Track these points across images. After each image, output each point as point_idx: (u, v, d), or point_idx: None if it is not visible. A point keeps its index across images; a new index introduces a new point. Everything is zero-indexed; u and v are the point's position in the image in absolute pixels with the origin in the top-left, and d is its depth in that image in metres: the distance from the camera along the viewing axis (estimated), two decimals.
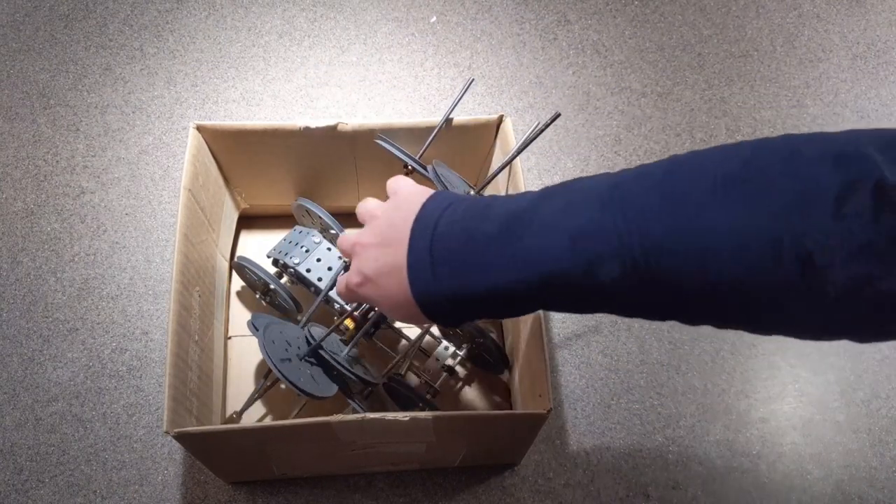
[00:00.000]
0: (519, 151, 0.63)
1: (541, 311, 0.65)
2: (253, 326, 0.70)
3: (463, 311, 0.42)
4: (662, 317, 0.37)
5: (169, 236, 0.87)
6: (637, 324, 0.84)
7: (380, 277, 0.44)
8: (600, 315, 0.85)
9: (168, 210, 0.89)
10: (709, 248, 0.32)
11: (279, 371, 0.61)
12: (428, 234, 0.42)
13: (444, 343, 0.77)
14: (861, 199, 0.29)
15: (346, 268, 0.74)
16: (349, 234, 0.50)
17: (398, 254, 0.42)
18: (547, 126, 0.57)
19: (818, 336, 0.34)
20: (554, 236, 0.37)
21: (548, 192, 0.40)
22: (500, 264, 0.39)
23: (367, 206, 0.49)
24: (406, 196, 0.46)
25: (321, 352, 0.66)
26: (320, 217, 0.79)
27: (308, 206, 0.80)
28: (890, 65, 1.08)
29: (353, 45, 1.06)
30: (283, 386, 0.76)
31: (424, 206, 0.43)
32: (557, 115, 0.56)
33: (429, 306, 0.42)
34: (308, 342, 0.68)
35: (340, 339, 0.72)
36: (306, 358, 0.66)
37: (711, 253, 0.32)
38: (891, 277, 0.29)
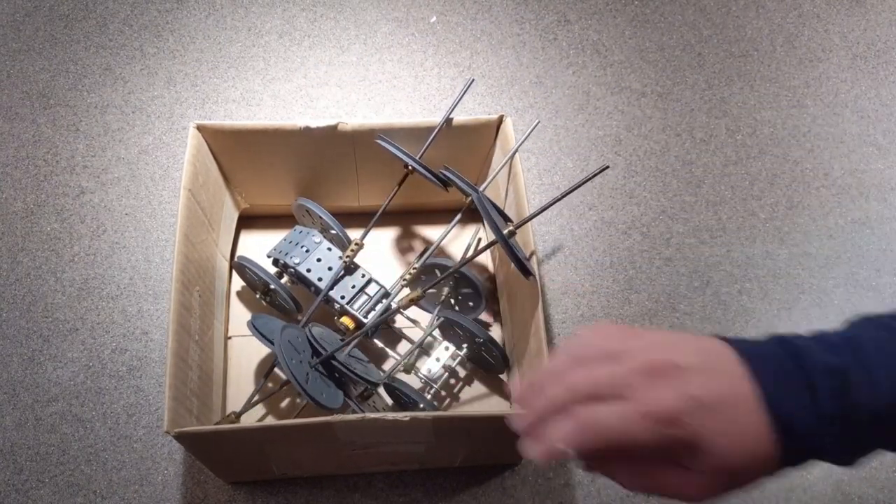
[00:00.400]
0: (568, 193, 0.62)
1: (540, 310, 0.65)
2: (259, 333, 0.69)
3: (856, 436, 0.35)
4: None
5: (169, 236, 0.87)
6: (637, 324, 0.84)
7: (721, 405, 0.35)
8: (599, 314, 0.85)
9: (168, 210, 0.90)
10: None
11: (307, 394, 0.61)
12: (780, 353, 0.36)
13: (445, 343, 0.77)
14: None
15: (347, 268, 0.74)
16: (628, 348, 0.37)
17: (734, 382, 0.35)
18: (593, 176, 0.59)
19: None
20: None
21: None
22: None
23: (648, 341, 0.38)
24: (683, 335, 0.39)
25: (322, 351, 0.66)
26: (320, 217, 0.79)
27: (308, 205, 0.80)
28: (890, 65, 1.08)
29: (353, 45, 1.06)
30: (299, 400, 0.76)
31: (742, 342, 0.38)
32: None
33: (800, 430, 0.35)
34: (311, 344, 0.68)
35: (341, 339, 0.72)
36: (317, 367, 0.66)
37: None
38: None
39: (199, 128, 0.74)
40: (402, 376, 0.76)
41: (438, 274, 0.81)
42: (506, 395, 0.79)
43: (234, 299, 0.84)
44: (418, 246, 0.89)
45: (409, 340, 0.78)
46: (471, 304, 0.81)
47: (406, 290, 0.76)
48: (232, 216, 0.85)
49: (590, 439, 0.34)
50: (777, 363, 0.36)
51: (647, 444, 0.34)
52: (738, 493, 0.36)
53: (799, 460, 0.36)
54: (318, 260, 0.75)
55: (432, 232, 0.89)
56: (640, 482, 0.37)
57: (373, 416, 0.57)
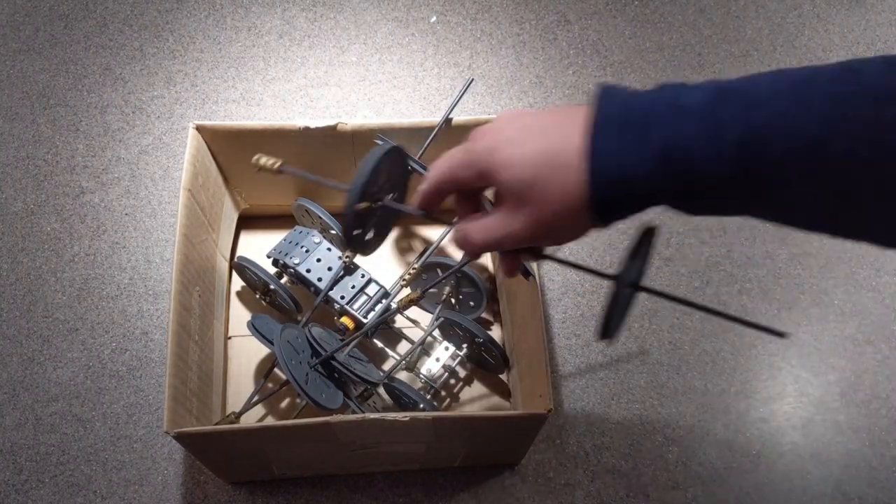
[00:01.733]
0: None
1: (540, 310, 0.65)
2: (259, 333, 0.69)
3: (669, 181, 0.35)
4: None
5: (169, 236, 0.87)
6: (637, 323, 0.84)
7: (530, 140, 0.38)
8: (599, 314, 0.85)
9: (168, 210, 0.90)
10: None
11: (307, 395, 0.62)
12: (617, 101, 0.36)
13: (445, 343, 0.77)
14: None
15: (346, 268, 0.74)
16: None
17: (564, 134, 0.36)
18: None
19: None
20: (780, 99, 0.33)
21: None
22: (714, 129, 0.33)
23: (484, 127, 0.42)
24: (538, 111, 0.41)
25: (322, 352, 0.66)
26: (320, 217, 0.79)
27: (308, 206, 0.80)
28: None
29: (353, 45, 1.06)
30: (299, 400, 0.76)
31: (603, 89, 0.38)
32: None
33: (611, 173, 0.35)
34: (310, 344, 0.68)
35: (341, 339, 0.72)
36: (317, 368, 0.66)
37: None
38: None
39: (199, 128, 0.74)
40: (402, 376, 0.76)
41: (440, 273, 0.81)
42: (506, 395, 0.79)
43: (234, 299, 0.84)
44: (418, 246, 0.89)
45: (409, 340, 0.78)
46: (471, 303, 0.81)
47: (406, 290, 0.76)
48: (232, 216, 0.85)
49: (433, 178, 0.43)
50: (615, 109, 0.36)
51: (463, 180, 0.41)
52: (557, 240, 0.39)
53: (627, 205, 0.37)
54: (318, 260, 0.75)
55: (432, 232, 0.89)
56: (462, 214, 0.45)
57: (373, 416, 0.57)
